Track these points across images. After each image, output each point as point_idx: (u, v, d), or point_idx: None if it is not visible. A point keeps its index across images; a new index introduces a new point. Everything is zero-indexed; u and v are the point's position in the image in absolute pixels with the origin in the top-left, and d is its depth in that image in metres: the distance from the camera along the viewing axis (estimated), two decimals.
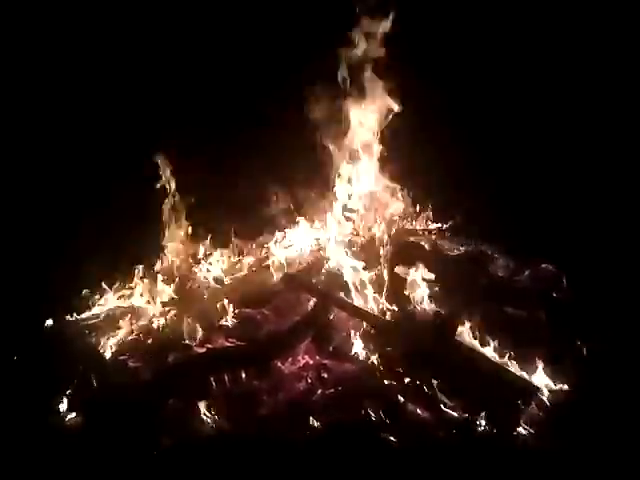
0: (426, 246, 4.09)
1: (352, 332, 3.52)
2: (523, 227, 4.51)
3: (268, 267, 4.07)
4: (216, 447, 2.91)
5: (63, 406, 3.21)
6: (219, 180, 5.36)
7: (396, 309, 3.62)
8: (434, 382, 3.16)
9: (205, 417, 3.06)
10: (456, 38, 5.54)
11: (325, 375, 3.33)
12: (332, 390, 3.22)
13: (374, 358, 3.37)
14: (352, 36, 4.07)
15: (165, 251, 4.12)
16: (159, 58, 5.91)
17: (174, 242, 4.13)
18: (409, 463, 2.76)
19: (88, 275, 4.23)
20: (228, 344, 3.57)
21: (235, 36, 5.87)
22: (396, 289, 3.67)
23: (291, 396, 3.20)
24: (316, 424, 2.99)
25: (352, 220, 4.25)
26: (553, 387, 3.17)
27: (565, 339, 3.43)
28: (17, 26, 5.84)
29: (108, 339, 3.68)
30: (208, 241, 4.31)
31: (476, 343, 3.33)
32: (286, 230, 4.37)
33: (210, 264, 4.21)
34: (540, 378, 3.19)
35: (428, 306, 3.64)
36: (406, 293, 3.65)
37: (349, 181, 4.35)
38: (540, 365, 3.22)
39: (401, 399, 3.12)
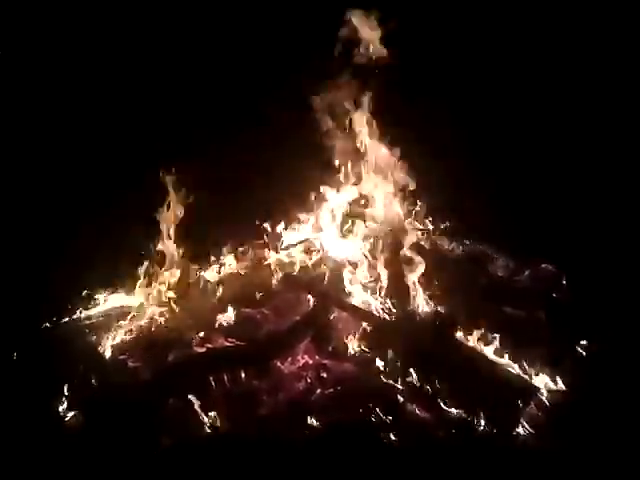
0: (426, 246, 4.09)
1: (352, 332, 3.52)
2: (523, 227, 4.51)
3: (268, 267, 4.07)
4: (216, 447, 2.90)
5: (63, 406, 3.20)
6: (219, 180, 5.36)
7: (396, 309, 3.62)
8: (434, 382, 3.16)
9: (204, 417, 3.06)
10: (455, 38, 5.55)
11: (324, 375, 3.32)
12: (331, 390, 3.21)
13: (374, 358, 3.37)
14: (351, 39, 4.07)
15: (165, 251, 4.11)
16: (160, 58, 5.92)
17: (174, 242, 4.12)
18: (409, 463, 2.76)
19: (88, 275, 4.23)
20: (228, 344, 3.57)
21: (235, 37, 5.88)
22: (396, 289, 3.67)
23: (290, 396, 3.19)
24: (315, 424, 2.98)
25: (352, 220, 4.25)
26: (553, 387, 3.16)
27: (565, 339, 3.42)
28: (20, 31, 5.86)
29: (108, 339, 3.67)
30: (208, 241, 4.31)
31: (476, 343, 3.32)
32: (286, 230, 4.37)
33: (210, 264, 4.21)
34: (540, 378, 3.18)
35: (428, 306, 3.63)
36: (406, 293, 3.64)
37: (349, 181, 4.34)
38: (540, 365, 3.22)
39: (401, 399, 3.12)
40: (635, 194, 4.87)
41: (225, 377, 3.25)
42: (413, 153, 4.18)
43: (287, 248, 4.22)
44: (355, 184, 4.28)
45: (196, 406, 3.10)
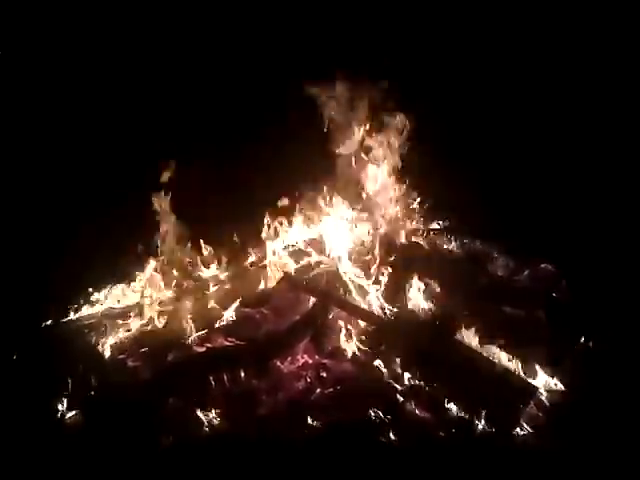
0: (426, 246, 4.09)
1: (351, 332, 3.52)
2: (523, 227, 4.51)
3: (268, 267, 4.06)
4: (215, 446, 2.91)
5: (62, 405, 3.20)
6: (219, 180, 5.36)
7: (395, 309, 3.62)
8: (433, 382, 3.15)
9: (204, 416, 3.06)
10: (455, 39, 5.55)
11: (324, 375, 3.33)
12: (331, 390, 3.21)
13: (373, 358, 3.37)
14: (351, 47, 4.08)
15: (165, 251, 4.11)
16: (160, 59, 5.93)
17: (174, 242, 4.13)
18: (409, 463, 2.76)
19: (88, 274, 4.24)
20: (227, 343, 3.57)
21: (236, 38, 5.89)
22: (395, 288, 3.67)
23: (290, 396, 3.19)
24: (315, 424, 2.98)
25: (352, 220, 4.25)
26: (552, 387, 3.16)
27: (564, 339, 3.42)
28: (20, 31, 5.87)
29: (107, 338, 3.68)
30: (208, 241, 4.30)
31: (475, 343, 3.31)
32: (286, 230, 4.36)
33: (210, 264, 4.21)
34: (539, 378, 3.18)
35: (427, 306, 3.63)
36: (406, 293, 3.64)
37: (349, 181, 4.35)
38: (539, 365, 3.21)
39: (400, 399, 3.11)
40: (635, 194, 4.87)
41: (225, 377, 3.26)
42: (413, 153, 4.19)
43: (287, 248, 4.22)
44: (355, 184, 4.29)
45: (196, 406, 3.10)
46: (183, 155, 4.28)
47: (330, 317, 3.61)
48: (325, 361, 3.42)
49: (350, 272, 3.81)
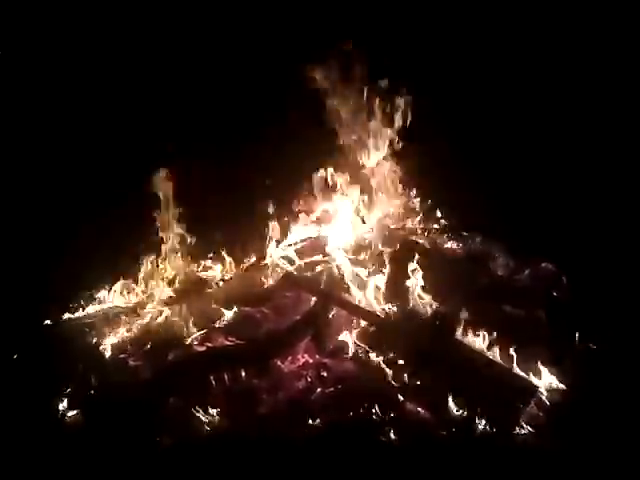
0: (426, 245, 4.10)
1: (352, 331, 3.52)
2: (523, 226, 4.51)
3: (268, 266, 4.07)
4: (216, 446, 2.91)
5: (63, 405, 3.21)
6: (219, 180, 5.36)
7: (396, 308, 3.62)
8: (434, 381, 3.15)
9: (205, 416, 3.06)
10: (454, 39, 5.55)
11: (325, 374, 3.32)
12: (332, 389, 3.21)
13: (374, 357, 3.37)
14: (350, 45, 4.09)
15: (165, 250, 4.12)
16: (160, 59, 5.93)
17: (174, 242, 4.13)
18: (409, 462, 2.76)
19: (88, 274, 4.24)
20: (228, 343, 3.57)
21: (236, 38, 5.89)
22: (396, 288, 3.67)
23: (291, 395, 3.19)
24: (315, 423, 2.98)
25: (353, 219, 4.26)
26: (553, 386, 3.16)
27: (565, 338, 3.42)
28: (20, 31, 5.87)
29: (108, 338, 3.68)
30: (208, 240, 4.31)
31: (476, 342, 3.32)
32: (287, 230, 4.37)
33: (210, 263, 4.21)
34: (540, 377, 3.18)
35: (428, 305, 3.63)
36: (406, 292, 3.64)
37: (350, 181, 4.35)
38: (540, 364, 3.21)
39: (401, 398, 3.12)
40: (635, 194, 4.87)
41: (225, 376, 3.26)
42: (414, 153, 4.20)
43: (288, 247, 4.22)
44: (356, 184, 4.30)
45: (196, 405, 3.10)
46: (183, 155, 4.28)
47: (331, 316, 3.60)
48: (325, 360, 3.42)
49: (350, 271, 3.80)
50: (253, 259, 4.28)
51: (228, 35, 5.86)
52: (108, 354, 3.58)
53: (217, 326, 3.68)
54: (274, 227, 4.26)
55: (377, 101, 4.24)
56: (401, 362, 3.30)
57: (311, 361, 3.42)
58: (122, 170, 5.50)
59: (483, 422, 2.94)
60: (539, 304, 3.61)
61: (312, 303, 3.69)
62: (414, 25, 5.24)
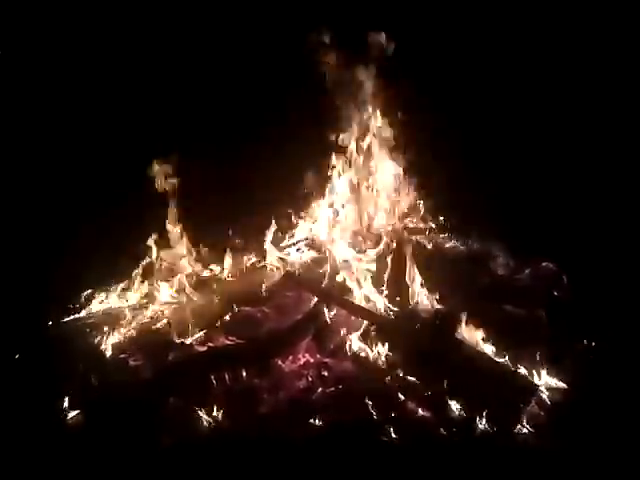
0: (427, 245, 4.10)
1: (352, 331, 3.52)
2: (524, 226, 4.51)
3: (269, 266, 4.07)
4: (217, 445, 2.90)
5: (64, 405, 3.20)
6: (220, 180, 5.37)
7: (396, 307, 3.62)
8: (435, 381, 3.15)
9: (205, 415, 3.06)
10: (454, 39, 5.56)
11: (325, 373, 3.33)
12: (332, 388, 3.22)
13: (374, 357, 3.37)
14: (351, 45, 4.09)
15: (166, 250, 4.12)
16: (161, 60, 5.93)
17: (175, 241, 4.13)
18: (410, 462, 2.75)
19: (89, 274, 4.23)
20: (228, 342, 3.58)
21: (237, 39, 5.89)
22: (397, 288, 3.67)
23: (291, 394, 3.20)
24: (316, 422, 2.98)
25: (354, 219, 4.25)
26: (553, 386, 3.16)
27: (565, 337, 3.42)
28: (20, 31, 5.87)
29: (108, 338, 3.67)
30: (209, 240, 4.31)
31: (476, 341, 3.32)
32: (288, 229, 4.37)
33: (211, 263, 4.21)
34: (540, 376, 3.18)
35: (429, 305, 3.63)
36: (407, 291, 3.64)
37: (351, 181, 4.35)
38: (540, 363, 3.21)
39: (401, 397, 3.12)
40: (635, 193, 4.88)
41: (226, 376, 3.26)
42: (414, 153, 4.20)
43: (288, 247, 4.22)
44: (357, 184, 4.30)
45: (197, 405, 3.10)
46: (183, 155, 4.28)
47: (331, 316, 3.60)
48: (326, 360, 3.42)
49: (351, 271, 3.80)
50: (254, 259, 4.27)
51: (229, 35, 5.86)
52: (109, 354, 3.57)
53: (218, 326, 3.68)
54: (275, 227, 4.26)
55: (377, 101, 4.24)
56: (402, 361, 3.29)
57: (312, 361, 3.42)
58: (122, 170, 5.50)
59: (484, 422, 2.94)
60: (540, 303, 3.62)
61: (313, 303, 3.69)
62: (415, 25, 5.24)
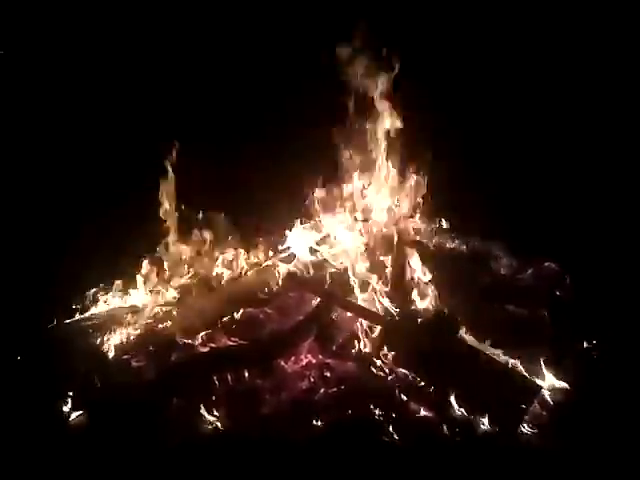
0: (429, 245, 4.09)
1: (355, 331, 3.52)
2: (526, 225, 4.51)
3: (271, 266, 4.07)
4: (219, 446, 2.91)
5: (66, 406, 3.20)
6: (221, 180, 5.36)
7: (399, 308, 3.61)
8: (437, 381, 3.16)
9: (208, 416, 3.06)
10: (454, 39, 5.55)
11: (328, 374, 3.33)
12: (335, 389, 3.22)
13: (377, 357, 3.37)
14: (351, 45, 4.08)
15: (168, 250, 4.12)
16: (161, 59, 5.93)
17: (177, 242, 4.13)
18: (412, 462, 2.76)
19: (91, 274, 4.23)
20: (231, 343, 3.58)
21: (238, 40, 5.89)
22: (399, 288, 3.67)
23: (294, 395, 3.20)
24: (319, 423, 2.99)
25: (356, 220, 4.25)
26: (556, 386, 3.16)
27: (568, 338, 3.42)
28: (20, 31, 5.86)
29: (111, 339, 3.67)
30: (211, 241, 4.30)
31: (479, 342, 3.32)
32: (289, 230, 4.37)
33: (213, 263, 4.21)
34: (543, 377, 3.18)
35: (431, 305, 3.63)
36: (409, 292, 3.64)
37: (352, 181, 4.35)
38: (543, 364, 3.21)
39: (404, 398, 3.12)
40: (637, 193, 4.88)
41: (228, 376, 3.27)
42: (415, 152, 4.19)
43: (290, 248, 4.22)
44: (358, 183, 4.29)
45: (200, 406, 3.10)
46: (185, 155, 4.28)
47: (334, 317, 3.61)
48: (329, 361, 3.42)
49: (353, 271, 3.80)
50: (256, 259, 4.27)
51: (228, 35, 5.86)
52: (111, 355, 3.57)
53: (220, 326, 3.68)
54: (277, 227, 4.26)
55: (378, 100, 4.23)
56: (404, 362, 3.29)
57: (314, 361, 3.42)
58: (124, 170, 5.50)
59: (486, 422, 2.94)
60: (542, 304, 3.62)
61: (315, 304, 3.69)
62: (415, 24, 5.24)
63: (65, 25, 5.85)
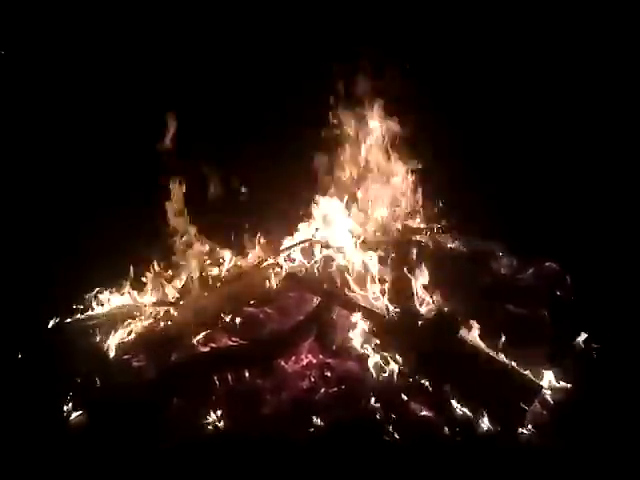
0: (429, 244, 4.09)
1: (355, 331, 3.52)
2: (527, 225, 4.51)
3: (271, 266, 4.07)
4: (220, 446, 2.91)
5: (67, 406, 3.21)
6: (221, 181, 5.36)
7: (399, 308, 3.61)
8: (437, 380, 3.16)
9: (209, 416, 3.06)
10: (454, 40, 5.55)
11: (328, 374, 3.33)
12: (335, 389, 3.22)
13: (377, 357, 3.37)
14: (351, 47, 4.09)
15: (168, 251, 4.12)
16: (161, 61, 5.93)
17: (178, 242, 4.14)
18: (413, 462, 2.76)
19: (92, 275, 4.24)
20: (231, 343, 3.58)
21: (239, 41, 5.89)
22: (399, 288, 3.67)
23: (294, 395, 3.20)
24: (319, 423, 2.99)
25: (356, 219, 4.26)
26: (556, 385, 3.16)
27: (568, 337, 3.42)
28: (21, 31, 5.87)
29: (112, 339, 3.68)
30: (212, 241, 4.31)
31: (479, 341, 3.32)
32: (290, 229, 4.38)
33: (213, 264, 4.21)
34: (543, 376, 3.18)
35: (431, 304, 3.63)
36: (409, 291, 3.64)
37: (352, 181, 4.36)
38: (543, 363, 3.21)
39: (404, 397, 3.12)
40: (638, 193, 4.87)
41: (229, 376, 3.27)
42: (416, 152, 4.20)
43: (290, 247, 4.22)
44: (358, 183, 4.30)
45: (200, 405, 3.10)
46: (186, 157, 4.29)
47: (334, 316, 3.61)
48: (329, 360, 3.42)
49: (353, 271, 3.80)
50: (256, 259, 4.27)
51: (232, 34, 5.86)
52: (112, 355, 3.58)
53: (221, 326, 3.68)
54: (277, 227, 4.26)
55: (378, 100, 4.24)
56: (404, 361, 3.30)
57: (315, 361, 3.42)
58: (125, 170, 5.50)
59: (487, 422, 2.94)
60: (543, 303, 3.62)
61: (315, 303, 3.69)
62: (416, 23, 5.24)
63: (66, 25, 5.85)
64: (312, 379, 3.30)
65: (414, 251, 3.83)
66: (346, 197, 4.34)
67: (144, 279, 4.09)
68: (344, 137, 4.26)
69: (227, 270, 4.19)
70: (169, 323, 3.76)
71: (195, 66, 5.94)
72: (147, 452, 2.86)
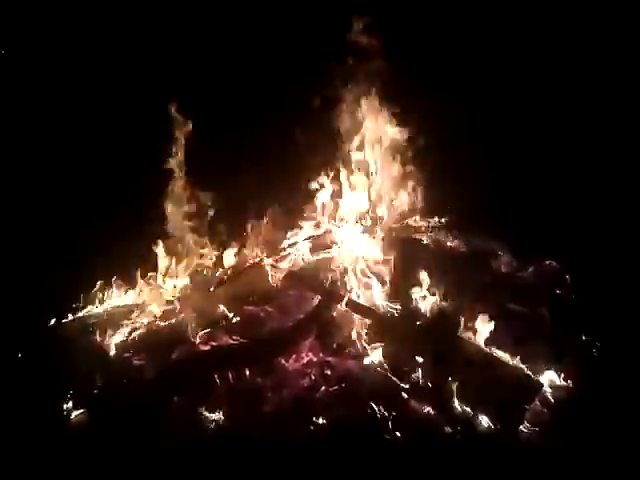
0: (430, 243, 4.10)
1: (355, 329, 3.52)
2: (527, 224, 4.51)
3: (272, 265, 4.07)
4: (220, 445, 2.91)
5: (68, 404, 3.21)
6: (222, 180, 5.36)
7: (399, 306, 3.62)
8: (438, 379, 3.16)
9: (209, 414, 3.07)
10: (454, 40, 5.56)
11: (329, 372, 3.33)
12: (336, 387, 3.22)
13: (377, 355, 3.38)
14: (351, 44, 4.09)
15: (169, 250, 4.12)
16: (161, 60, 5.93)
17: (177, 241, 4.14)
18: (414, 460, 2.76)
19: (92, 274, 4.24)
20: (232, 342, 3.58)
21: (239, 40, 5.89)
22: (399, 286, 3.67)
23: (295, 393, 3.20)
24: (320, 421, 2.99)
25: (356, 218, 4.26)
26: (557, 384, 3.16)
27: (568, 336, 3.43)
28: (21, 31, 5.87)
29: (112, 337, 3.68)
30: (212, 239, 4.31)
31: (479, 340, 3.32)
32: (290, 228, 4.38)
33: (214, 262, 4.21)
34: (543, 374, 3.19)
35: (431, 303, 3.63)
36: (410, 290, 3.64)
37: (352, 180, 4.35)
38: (543, 361, 3.22)
39: (405, 396, 3.12)
40: (638, 192, 4.88)
41: (229, 375, 3.27)
42: (416, 151, 4.20)
43: (291, 246, 4.22)
44: (358, 183, 4.30)
45: (201, 404, 3.11)
46: (186, 156, 4.29)
47: (334, 315, 3.60)
48: (329, 359, 3.42)
49: (354, 270, 3.80)
50: (257, 258, 4.27)
51: (232, 33, 5.86)
52: (112, 353, 3.58)
53: (221, 325, 3.68)
54: (278, 225, 4.26)
55: (378, 100, 4.24)
56: (405, 360, 3.30)
57: (315, 359, 3.42)
58: (124, 169, 5.51)
59: (487, 420, 2.95)
60: (543, 302, 3.62)
61: (316, 302, 3.69)
62: (416, 23, 5.25)
63: (67, 25, 5.86)
64: (312, 378, 3.30)
65: (415, 249, 3.83)
66: (347, 196, 4.34)
67: (144, 278, 4.09)
68: (344, 135, 4.26)
69: (227, 269, 4.19)
70: (169, 322, 3.75)
71: (195, 66, 5.95)
72: (148, 451, 2.86)
